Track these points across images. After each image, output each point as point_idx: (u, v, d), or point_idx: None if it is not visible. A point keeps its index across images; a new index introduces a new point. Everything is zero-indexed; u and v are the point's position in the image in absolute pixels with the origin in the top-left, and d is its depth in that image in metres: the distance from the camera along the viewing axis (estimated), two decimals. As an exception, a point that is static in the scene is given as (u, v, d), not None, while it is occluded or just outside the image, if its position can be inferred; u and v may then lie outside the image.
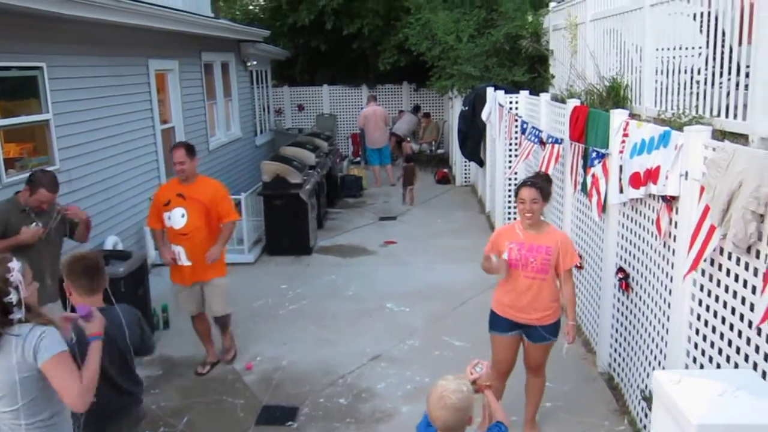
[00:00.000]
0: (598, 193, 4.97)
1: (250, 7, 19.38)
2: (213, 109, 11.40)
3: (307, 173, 9.41)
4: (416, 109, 16.48)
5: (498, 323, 4.24)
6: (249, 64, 13.27)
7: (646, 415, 4.20)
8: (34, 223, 4.44)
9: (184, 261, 5.24)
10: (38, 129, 6.33)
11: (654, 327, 4.19)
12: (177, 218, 5.18)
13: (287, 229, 8.66)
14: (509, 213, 9.27)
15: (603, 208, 4.99)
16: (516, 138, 8.46)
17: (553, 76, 9.50)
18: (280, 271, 8.09)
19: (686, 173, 3.60)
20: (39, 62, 6.21)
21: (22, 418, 2.54)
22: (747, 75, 3.93)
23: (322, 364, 5.57)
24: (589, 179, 5.15)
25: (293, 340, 6.08)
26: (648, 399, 4.11)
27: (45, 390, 2.55)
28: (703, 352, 3.51)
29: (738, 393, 2.25)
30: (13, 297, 2.50)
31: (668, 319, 3.92)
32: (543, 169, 6.32)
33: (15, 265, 2.54)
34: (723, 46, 4.26)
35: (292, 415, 4.79)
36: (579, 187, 5.65)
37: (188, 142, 5.49)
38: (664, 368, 3.93)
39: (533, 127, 7.02)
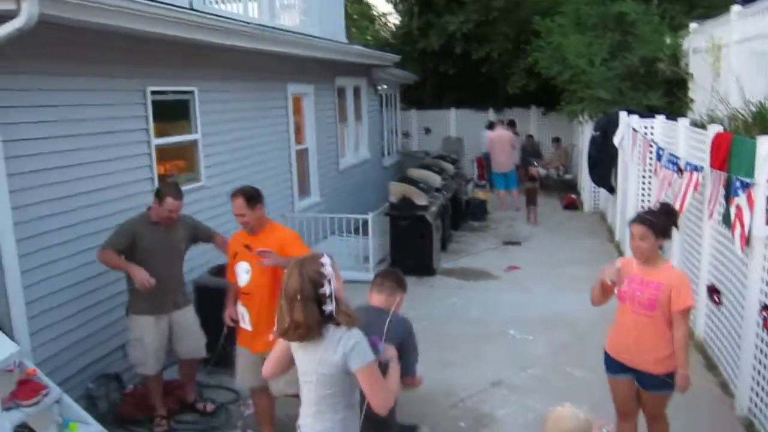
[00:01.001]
0: (742, 225, 4.67)
1: (382, 34, 19.96)
2: (344, 131, 11.82)
3: (432, 195, 9.51)
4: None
5: (609, 363, 4.06)
6: (379, 88, 13.65)
7: (791, 467, 3.88)
8: (153, 278, 4.61)
9: (246, 325, 4.44)
10: (188, 148, 6.87)
11: (803, 371, 3.88)
12: (241, 274, 4.41)
13: (412, 250, 8.78)
14: (641, 242, 8.88)
15: (747, 241, 4.69)
16: (650, 164, 8.13)
17: (692, 101, 9.06)
18: (403, 291, 8.19)
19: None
20: (191, 87, 6.76)
21: (317, 400, 2.83)
22: None
23: (443, 386, 5.58)
24: (732, 210, 4.85)
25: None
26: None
27: (345, 388, 2.80)
28: None
29: None
30: (326, 289, 2.72)
31: (820, 364, 3.62)
32: (680, 199, 6.04)
33: (326, 260, 2.79)
34: None
35: (412, 433, 4.84)
36: (720, 217, 5.34)
37: (249, 188, 4.51)
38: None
39: (670, 154, 6.73)
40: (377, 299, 3.56)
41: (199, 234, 5.25)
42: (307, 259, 2.78)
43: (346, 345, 2.70)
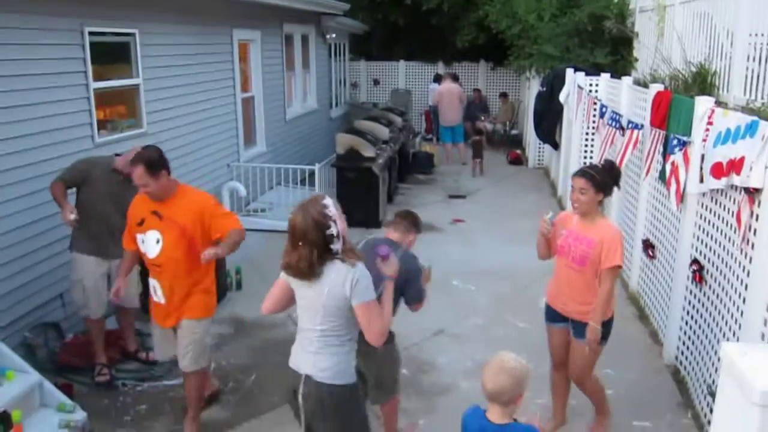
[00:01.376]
0: (678, 182, 4.84)
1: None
2: (291, 80, 11.62)
3: (380, 147, 9.50)
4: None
5: (547, 312, 4.21)
6: (328, 36, 13.41)
7: (711, 410, 4.13)
8: (73, 215, 4.54)
9: (159, 298, 4.09)
10: (128, 93, 6.64)
11: (726, 322, 4.10)
12: (151, 244, 3.98)
13: (358, 202, 8.78)
14: (582, 198, 9.12)
15: (681, 197, 4.87)
16: (594, 122, 8.29)
17: (636, 60, 9.22)
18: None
19: (772, 165, 3.49)
20: (132, 29, 6.49)
21: (323, 333, 2.92)
22: None
23: (385, 335, 5.69)
24: (668, 167, 5.02)
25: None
26: (714, 394, 4.04)
27: (350, 320, 2.90)
28: (776, 350, 3.43)
29: None
30: (333, 229, 2.79)
31: (742, 315, 3.83)
32: (620, 156, 6.20)
33: (328, 200, 2.85)
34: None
35: (354, 381, 4.93)
36: (656, 174, 5.52)
37: (150, 152, 3.94)
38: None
39: (613, 111, 6.87)
40: (393, 235, 3.92)
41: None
42: (310, 202, 2.85)
43: (352, 280, 2.80)
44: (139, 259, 4.24)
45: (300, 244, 2.81)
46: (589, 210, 3.89)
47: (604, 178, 3.90)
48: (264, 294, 3.15)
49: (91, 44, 5.80)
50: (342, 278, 2.81)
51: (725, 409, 2.35)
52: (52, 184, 4.69)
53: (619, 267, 3.87)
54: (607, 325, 3.94)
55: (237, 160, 9.04)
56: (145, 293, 5.03)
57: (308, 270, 2.82)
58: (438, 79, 14.63)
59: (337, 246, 2.81)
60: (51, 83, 5.33)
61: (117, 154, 4.89)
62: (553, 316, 4.15)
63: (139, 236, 4.04)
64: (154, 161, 3.86)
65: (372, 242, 3.84)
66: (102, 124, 6.13)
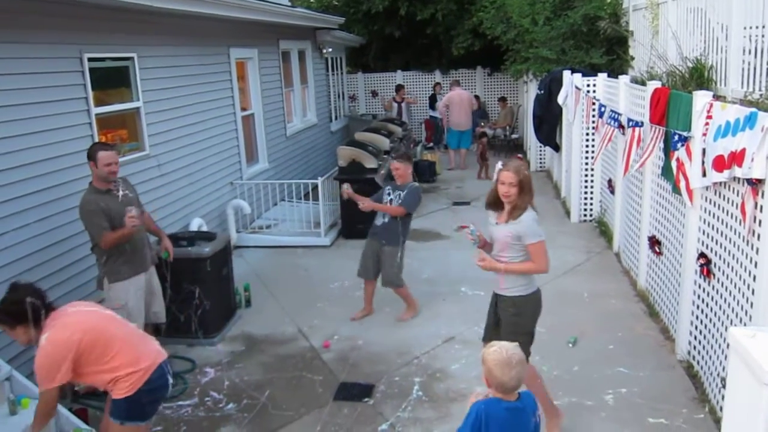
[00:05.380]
0: (686, 177, 4.79)
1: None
2: (290, 96, 11.68)
3: (381, 158, 9.53)
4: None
5: None
6: (324, 51, 13.49)
7: (727, 404, 4.11)
8: (128, 209, 4.59)
9: None
10: (129, 116, 6.69)
11: (737, 314, 4.09)
12: None
13: (362, 213, 8.74)
14: (585, 198, 9.13)
15: (692, 193, 4.84)
16: (593, 122, 8.31)
17: (632, 58, 9.25)
18: (355, 254, 8.19)
19: (773, 156, 3.49)
20: (130, 53, 6.55)
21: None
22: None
23: (397, 345, 5.70)
24: (674, 164, 5.00)
25: (369, 321, 6.23)
26: (729, 387, 4.02)
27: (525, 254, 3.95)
28: (788, 340, 3.42)
29: None
30: None
31: (752, 306, 3.83)
32: (626, 155, 6.19)
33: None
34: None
35: (368, 392, 4.93)
36: (659, 171, 5.52)
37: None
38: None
39: (612, 111, 6.89)
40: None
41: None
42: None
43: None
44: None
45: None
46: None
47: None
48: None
49: (91, 70, 5.85)
50: (519, 222, 4.04)
51: (736, 393, 2.38)
52: (104, 240, 4.65)
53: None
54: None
55: (240, 178, 9.08)
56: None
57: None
58: (446, 86, 14.90)
59: None
60: (53, 111, 5.37)
61: (90, 183, 4.80)
62: None
63: None
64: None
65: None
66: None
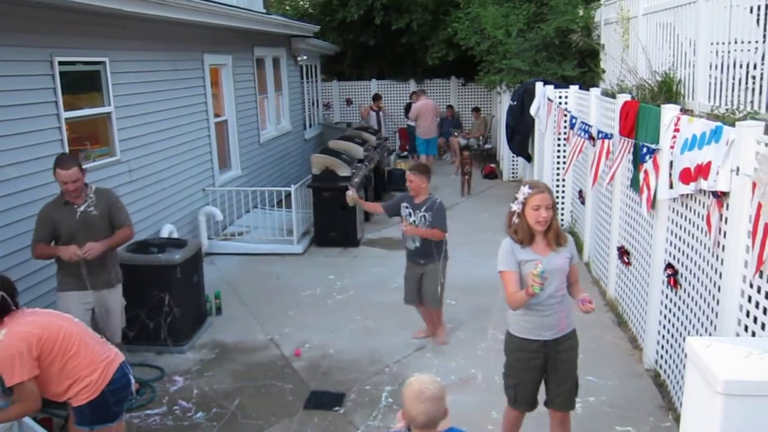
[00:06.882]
0: (648, 188, 4.93)
1: (301, 3, 19.66)
2: (264, 103, 11.65)
3: (355, 166, 9.53)
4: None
5: None
6: (299, 58, 13.48)
7: (692, 412, 4.18)
8: (73, 248, 4.48)
9: None
10: (101, 121, 6.61)
11: (702, 324, 4.17)
12: None
13: (335, 222, 8.81)
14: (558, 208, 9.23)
15: (652, 203, 4.96)
16: (565, 133, 8.43)
17: (603, 71, 9.40)
18: (328, 262, 8.25)
19: (737, 169, 3.58)
20: (102, 57, 6.48)
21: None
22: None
23: (368, 353, 5.69)
24: (641, 175, 5.11)
25: (340, 329, 6.22)
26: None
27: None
28: (751, 349, 3.49)
29: (764, 355, 2.39)
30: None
31: (717, 316, 3.90)
32: (595, 167, 6.29)
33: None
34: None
35: (339, 400, 4.91)
36: (627, 182, 5.61)
37: None
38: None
39: (582, 122, 6.99)
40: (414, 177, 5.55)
41: (113, 217, 4.80)
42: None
43: None
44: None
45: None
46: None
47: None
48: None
49: (62, 74, 5.78)
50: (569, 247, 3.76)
51: (693, 401, 2.44)
52: (34, 250, 4.59)
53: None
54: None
55: (212, 185, 9.02)
56: (128, 326, 5.04)
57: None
58: (412, 96, 14.94)
59: None
60: (21, 114, 5.29)
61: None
62: None
63: None
64: None
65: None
66: (75, 154, 6.07)
